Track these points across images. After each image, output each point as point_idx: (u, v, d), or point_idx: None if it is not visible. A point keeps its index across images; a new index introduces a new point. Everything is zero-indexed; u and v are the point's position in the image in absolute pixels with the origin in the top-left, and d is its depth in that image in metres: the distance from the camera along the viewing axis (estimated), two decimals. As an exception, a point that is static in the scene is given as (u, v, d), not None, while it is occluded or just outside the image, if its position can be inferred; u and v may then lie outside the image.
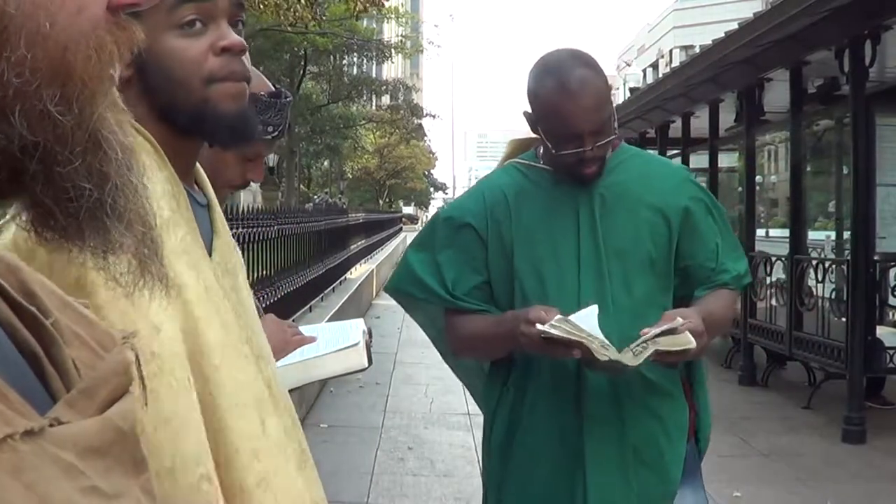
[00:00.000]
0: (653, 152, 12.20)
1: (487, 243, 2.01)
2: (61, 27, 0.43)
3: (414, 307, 2.21)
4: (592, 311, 1.82)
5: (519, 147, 2.15)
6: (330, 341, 1.74)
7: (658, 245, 1.99)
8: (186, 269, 0.97)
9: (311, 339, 1.74)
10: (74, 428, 0.43)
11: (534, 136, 2.07)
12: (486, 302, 2.02)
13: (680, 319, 1.78)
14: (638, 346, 1.77)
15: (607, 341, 1.75)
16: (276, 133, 1.54)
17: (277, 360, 1.65)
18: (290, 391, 1.76)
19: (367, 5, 14.56)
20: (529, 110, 1.95)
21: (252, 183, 1.68)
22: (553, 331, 1.74)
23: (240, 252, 1.31)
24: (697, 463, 2.09)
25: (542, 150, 2.06)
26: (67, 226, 0.47)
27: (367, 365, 1.71)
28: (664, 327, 1.78)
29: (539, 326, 1.75)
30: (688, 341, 1.76)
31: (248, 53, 1.07)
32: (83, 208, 0.46)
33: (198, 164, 1.16)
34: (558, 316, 1.77)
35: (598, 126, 1.87)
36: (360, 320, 1.86)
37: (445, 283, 2.02)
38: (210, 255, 1.06)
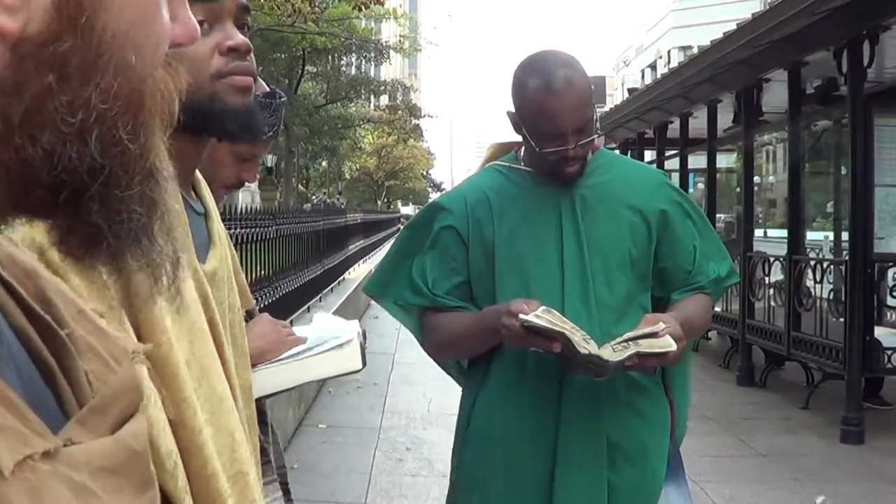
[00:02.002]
0: (651, 153, 12.25)
1: (468, 244, 2.05)
2: (143, 61, 0.46)
3: (391, 307, 2.21)
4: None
5: (499, 150, 2.19)
6: (324, 343, 1.74)
7: (638, 245, 2.02)
8: None
9: (305, 340, 1.74)
10: (88, 448, 0.43)
11: (514, 140, 2.12)
12: (465, 301, 2.05)
13: (662, 324, 1.82)
14: (618, 343, 1.79)
15: (588, 335, 1.78)
16: (270, 133, 1.55)
17: (272, 359, 1.66)
18: (284, 391, 1.76)
19: (370, 2, 14.59)
20: (513, 110, 1.99)
21: (247, 183, 1.69)
22: (536, 320, 1.76)
23: (237, 265, 1.31)
24: (679, 459, 2.11)
25: (522, 153, 2.10)
26: (114, 248, 0.48)
27: (360, 367, 1.72)
28: (646, 330, 1.80)
29: (522, 316, 1.78)
30: (668, 344, 1.79)
31: (252, 54, 1.10)
32: (131, 231, 0.48)
33: (199, 175, 1.16)
34: (542, 307, 1.79)
35: (581, 125, 1.90)
36: (355, 322, 1.87)
37: (426, 282, 2.05)
38: (203, 263, 1.06)
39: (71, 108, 0.43)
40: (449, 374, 2.35)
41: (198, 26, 0.52)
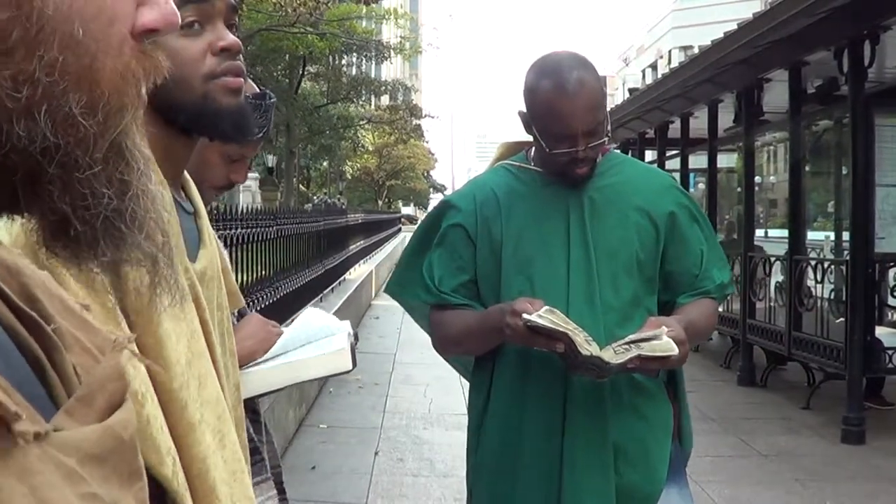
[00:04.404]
0: (652, 153, 12.24)
1: (476, 242, 2.05)
2: (92, 36, 0.45)
3: (409, 307, 2.25)
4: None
5: (509, 150, 2.19)
6: (315, 342, 1.75)
7: (645, 247, 2.02)
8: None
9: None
10: (78, 434, 0.43)
11: (524, 140, 2.12)
12: (471, 299, 2.05)
13: (665, 327, 1.81)
14: (620, 346, 1.79)
15: (591, 337, 1.79)
16: (260, 134, 1.56)
17: (261, 357, 1.66)
18: (276, 391, 1.77)
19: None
20: (524, 110, 1.99)
21: (237, 184, 1.70)
22: (539, 320, 1.76)
23: (227, 261, 1.31)
24: (681, 462, 2.11)
25: (532, 153, 2.10)
26: (82, 234, 0.47)
27: (351, 367, 1.72)
28: (648, 334, 1.80)
29: (525, 316, 1.78)
30: (670, 348, 1.79)
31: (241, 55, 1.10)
32: (101, 216, 0.47)
33: (187, 175, 1.17)
34: (545, 307, 1.79)
35: (592, 127, 1.90)
36: (346, 322, 1.87)
37: (433, 279, 2.07)
38: (194, 262, 1.06)
39: (15, 83, 0.42)
40: (456, 370, 2.37)
41: (177, 11, 0.50)
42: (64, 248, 0.48)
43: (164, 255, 0.53)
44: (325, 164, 41.41)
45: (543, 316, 1.77)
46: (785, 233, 7.95)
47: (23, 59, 0.42)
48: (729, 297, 8.33)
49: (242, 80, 1.09)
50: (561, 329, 1.76)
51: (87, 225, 0.47)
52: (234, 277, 1.43)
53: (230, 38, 1.07)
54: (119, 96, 0.46)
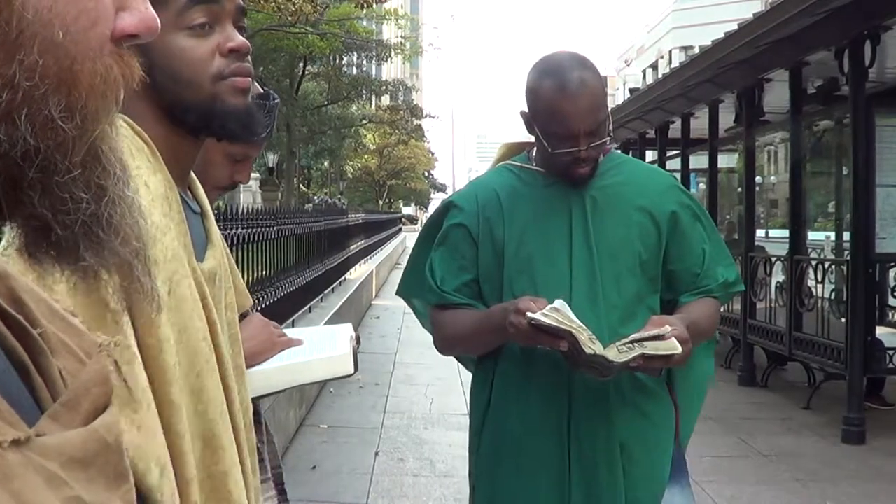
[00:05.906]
0: (652, 153, 12.24)
1: (478, 242, 2.06)
2: (73, 39, 0.44)
3: (414, 309, 2.27)
4: (563, 304, 1.84)
5: (511, 150, 2.20)
6: (317, 346, 1.74)
7: (647, 246, 2.03)
8: (160, 283, 0.96)
9: (298, 342, 1.74)
10: (60, 438, 0.43)
11: (526, 140, 2.13)
12: (473, 299, 2.06)
13: (668, 327, 1.82)
14: (624, 344, 1.79)
15: (595, 335, 1.79)
16: (264, 134, 1.56)
17: (263, 360, 1.66)
18: (276, 393, 1.76)
19: (372, 1, 14.66)
20: (526, 110, 1.99)
21: (240, 184, 1.69)
22: (543, 319, 1.77)
23: (233, 262, 1.32)
24: (683, 461, 2.11)
25: (534, 153, 2.11)
26: (63, 239, 0.47)
27: (352, 371, 1.72)
28: (652, 332, 1.80)
29: (529, 314, 1.78)
30: (673, 347, 1.79)
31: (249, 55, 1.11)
32: (79, 221, 0.47)
33: (193, 175, 1.17)
34: (549, 306, 1.80)
35: (594, 127, 1.91)
36: (349, 325, 1.87)
37: (435, 279, 2.08)
38: (201, 262, 1.07)
39: None
40: (460, 362, 2.38)
41: (156, 16, 0.50)
42: (46, 254, 0.48)
43: (139, 262, 0.53)
44: (325, 164, 41.42)
45: (547, 314, 1.78)
46: (786, 233, 7.95)
47: (2, 64, 0.42)
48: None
49: (250, 80, 1.09)
50: (565, 327, 1.76)
51: (67, 229, 0.47)
52: (241, 277, 1.44)
53: (239, 40, 1.08)
54: (97, 99, 0.46)
